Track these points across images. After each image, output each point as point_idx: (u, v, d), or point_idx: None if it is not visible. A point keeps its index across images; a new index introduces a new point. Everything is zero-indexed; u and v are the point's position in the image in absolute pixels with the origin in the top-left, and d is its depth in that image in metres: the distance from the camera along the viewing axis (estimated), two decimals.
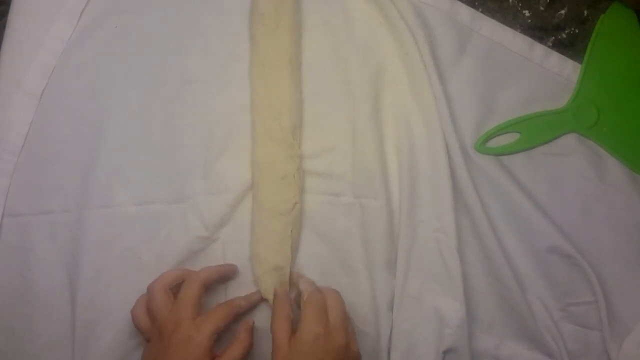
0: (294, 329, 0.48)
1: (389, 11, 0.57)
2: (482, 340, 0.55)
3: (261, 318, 0.54)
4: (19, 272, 0.55)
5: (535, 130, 0.57)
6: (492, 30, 0.59)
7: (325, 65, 0.58)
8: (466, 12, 0.58)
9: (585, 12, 0.60)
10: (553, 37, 0.60)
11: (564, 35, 0.60)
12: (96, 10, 0.58)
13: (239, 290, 0.54)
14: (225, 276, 0.54)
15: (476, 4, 0.60)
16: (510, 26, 0.59)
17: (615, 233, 0.56)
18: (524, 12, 0.60)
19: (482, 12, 0.60)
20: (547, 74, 0.58)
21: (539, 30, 0.60)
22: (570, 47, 0.60)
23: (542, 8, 0.60)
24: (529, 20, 0.60)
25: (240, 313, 0.52)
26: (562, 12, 0.60)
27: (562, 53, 0.59)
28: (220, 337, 0.49)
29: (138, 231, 0.54)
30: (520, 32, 0.59)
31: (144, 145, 0.56)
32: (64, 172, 0.56)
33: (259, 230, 0.54)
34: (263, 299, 0.54)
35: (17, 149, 0.56)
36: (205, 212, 0.55)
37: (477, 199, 0.55)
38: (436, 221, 0.55)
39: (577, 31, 0.60)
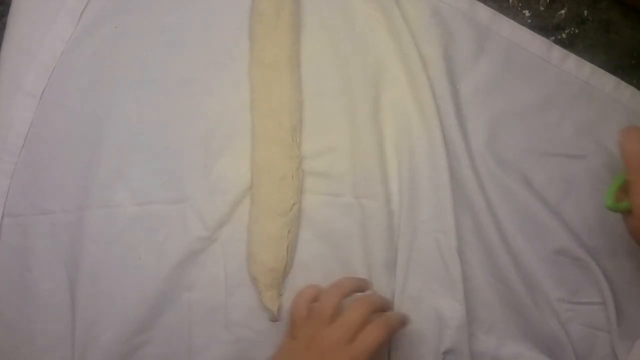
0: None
1: (390, 11, 0.57)
2: (482, 341, 0.55)
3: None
4: (19, 272, 0.55)
5: None
6: (510, 31, 0.59)
7: (325, 65, 0.57)
8: (485, 12, 0.58)
9: (585, 12, 0.60)
10: (553, 37, 0.60)
11: (564, 35, 0.60)
12: (96, 10, 0.58)
13: (239, 289, 0.54)
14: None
15: None
16: None
17: (628, 235, 0.56)
18: (524, 12, 0.60)
19: None
20: (564, 76, 0.58)
21: (539, 30, 0.60)
22: (570, 47, 0.60)
23: (542, 8, 0.60)
24: (529, 20, 0.60)
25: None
26: (562, 12, 0.60)
27: None
28: None
29: (138, 231, 0.54)
30: None
31: (144, 145, 0.56)
32: (64, 172, 0.55)
33: (256, 231, 0.54)
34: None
35: (17, 149, 0.56)
36: (205, 212, 0.54)
37: (482, 199, 0.55)
38: (436, 222, 0.55)
39: (577, 31, 0.60)
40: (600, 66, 0.59)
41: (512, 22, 0.59)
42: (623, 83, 0.58)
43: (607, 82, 0.58)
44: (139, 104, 0.56)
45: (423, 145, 0.56)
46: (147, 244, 0.54)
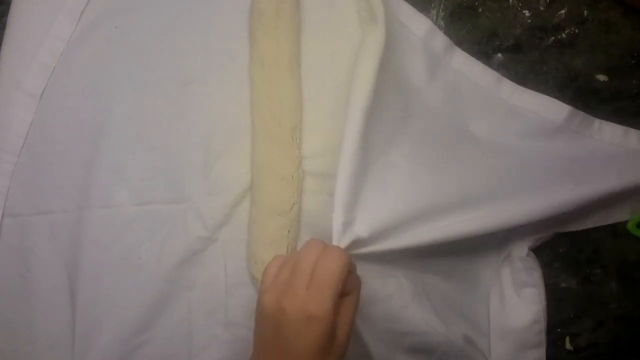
0: None
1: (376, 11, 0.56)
2: None
3: None
4: (19, 272, 0.55)
5: None
6: (462, 63, 0.58)
7: (325, 65, 0.57)
8: (441, 41, 0.57)
9: (585, 12, 0.60)
10: (553, 37, 0.60)
11: (564, 35, 0.60)
12: (96, 10, 0.58)
13: (239, 289, 0.54)
14: None
15: (476, 3, 0.60)
16: (510, 26, 0.59)
17: None
18: (524, 12, 0.60)
19: (482, 12, 0.60)
20: (513, 109, 0.57)
21: (539, 30, 0.60)
22: (570, 47, 0.60)
23: (542, 8, 0.60)
24: (529, 20, 0.60)
25: None
26: (562, 12, 0.60)
27: (562, 53, 0.59)
28: None
29: (138, 231, 0.54)
30: (520, 32, 0.59)
31: (144, 145, 0.56)
32: (64, 172, 0.56)
33: (256, 230, 0.54)
34: None
35: (17, 149, 0.56)
36: (205, 213, 0.55)
37: None
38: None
39: (577, 31, 0.60)
40: (600, 66, 0.59)
41: (464, 54, 0.58)
42: (581, 113, 0.56)
43: (559, 111, 0.56)
44: (139, 104, 0.56)
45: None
46: (147, 244, 0.54)
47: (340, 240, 0.48)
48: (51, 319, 0.54)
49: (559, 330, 0.58)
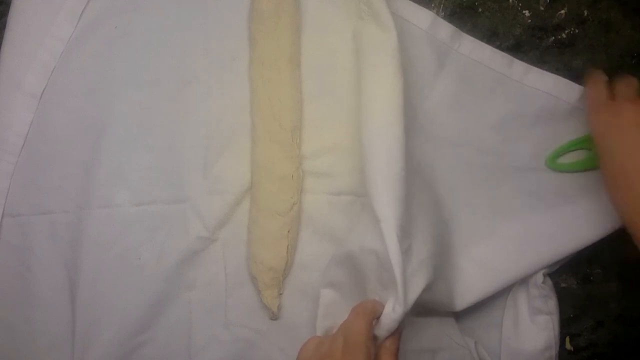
0: None
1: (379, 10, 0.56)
2: None
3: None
4: (19, 272, 0.55)
5: None
6: (470, 48, 0.58)
7: (325, 65, 0.57)
8: (446, 30, 0.57)
9: (585, 12, 0.60)
10: (553, 37, 0.60)
11: (564, 35, 0.60)
12: (96, 10, 0.58)
13: (239, 289, 0.55)
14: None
15: (476, 3, 0.60)
16: (510, 26, 0.59)
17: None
18: (524, 12, 0.60)
19: (482, 12, 0.60)
20: (527, 90, 0.57)
21: (539, 30, 0.60)
22: (570, 47, 0.60)
23: (542, 8, 0.60)
24: (529, 20, 0.60)
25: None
26: (562, 12, 0.60)
27: (562, 53, 0.59)
28: None
29: (138, 231, 0.54)
30: (519, 32, 0.59)
31: (144, 145, 0.56)
32: (64, 172, 0.56)
33: (256, 230, 0.54)
34: None
35: (17, 149, 0.56)
36: (205, 212, 0.55)
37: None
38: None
39: (577, 31, 0.60)
40: (600, 66, 0.59)
41: (472, 39, 0.58)
42: None
43: (572, 92, 0.57)
44: (139, 104, 0.56)
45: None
46: (147, 244, 0.54)
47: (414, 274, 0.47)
48: (51, 318, 0.54)
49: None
